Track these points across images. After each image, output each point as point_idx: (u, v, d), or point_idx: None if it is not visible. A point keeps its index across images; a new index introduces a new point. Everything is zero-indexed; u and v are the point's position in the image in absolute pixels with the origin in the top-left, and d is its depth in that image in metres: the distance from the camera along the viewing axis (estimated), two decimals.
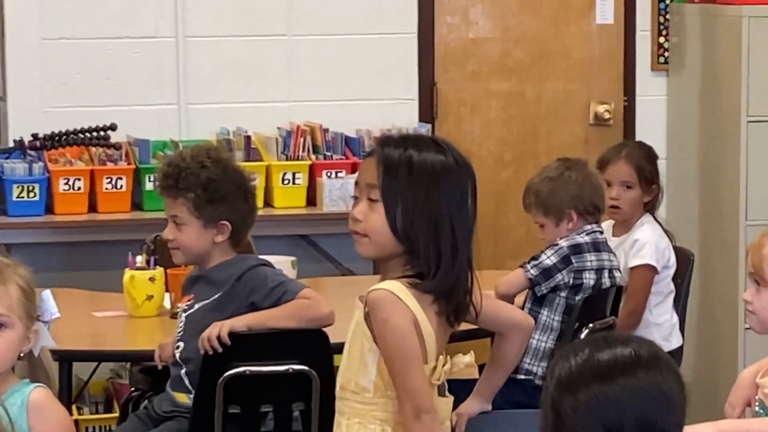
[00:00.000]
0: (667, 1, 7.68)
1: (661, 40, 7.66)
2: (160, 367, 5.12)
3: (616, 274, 5.55)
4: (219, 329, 4.74)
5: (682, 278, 6.05)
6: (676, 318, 5.96)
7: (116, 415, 6.39)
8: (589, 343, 2.69)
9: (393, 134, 4.01)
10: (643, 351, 2.63)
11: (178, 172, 5.00)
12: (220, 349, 4.74)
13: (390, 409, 3.62)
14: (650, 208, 6.04)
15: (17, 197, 6.69)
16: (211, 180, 4.93)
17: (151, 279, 5.70)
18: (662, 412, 2.60)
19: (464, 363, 3.66)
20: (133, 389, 6.02)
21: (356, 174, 6.87)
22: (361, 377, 3.65)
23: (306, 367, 4.59)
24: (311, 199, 7.03)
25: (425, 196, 3.61)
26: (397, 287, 3.52)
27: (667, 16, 7.66)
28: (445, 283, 3.57)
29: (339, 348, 4.89)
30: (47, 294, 3.66)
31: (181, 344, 4.94)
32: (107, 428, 6.44)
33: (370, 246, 3.64)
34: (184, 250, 5.03)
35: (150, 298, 5.68)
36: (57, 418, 3.43)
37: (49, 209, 6.80)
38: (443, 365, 3.56)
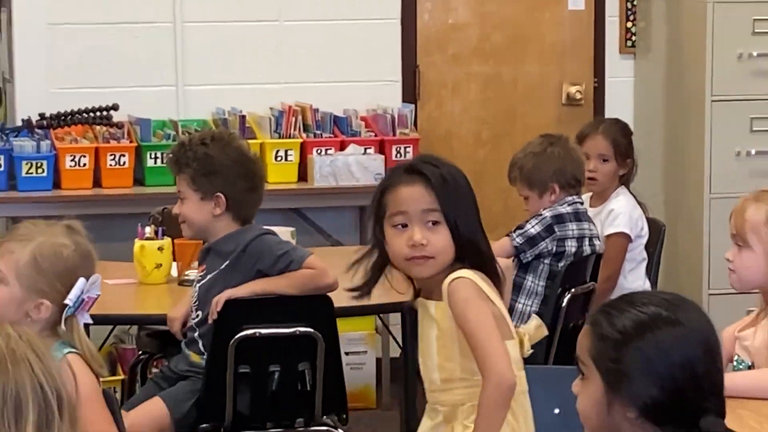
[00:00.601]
0: None
1: (629, 24, 7.70)
2: (180, 337, 5.17)
3: (596, 242, 5.65)
4: (220, 298, 4.89)
5: (653, 247, 6.15)
6: (648, 284, 6.04)
7: (121, 377, 6.53)
8: (636, 302, 2.91)
9: (415, 162, 3.96)
10: (675, 301, 2.89)
11: (181, 149, 5.18)
12: (216, 315, 4.86)
13: None
14: (625, 180, 6.15)
15: (26, 173, 6.76)
16: (207, 155, 5.02)
17: (160, 248, 5.77)
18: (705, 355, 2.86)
19: (533, 327, 3.74)
20: (140, 352, 6.12)
21: (346, 153, 7.09)
22: (468, 361, 3.68)
23: (312, 330, 4.70)
24: (302, 175, 7.07)
25: (472, 203, 3.80)
26: (469, 273, 3.62)
27: (635, 2, 7.70)
28: (495, 267, 3.74)
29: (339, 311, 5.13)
30: (81, 283, 3.82)
31: (198, 312, 5.02)
32: (113, 390, 6.45)
33: (435, 266, 3.68)
34: (188, 224, 5.12)
35: (159, 266, 5.76)
36: (84, 382, 3.47)
37: (56, 185, 6.87)
38: (522, 336, 3.66)
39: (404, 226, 3.71)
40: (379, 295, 5.97)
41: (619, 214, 5.99)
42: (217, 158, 5.07)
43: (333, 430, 4.75)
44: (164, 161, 6.83)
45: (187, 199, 5.04)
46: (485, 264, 3.74)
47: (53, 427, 2.56)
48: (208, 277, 5.11)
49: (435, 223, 3.69)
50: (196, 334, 5.07)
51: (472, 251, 3.71)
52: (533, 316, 3.75)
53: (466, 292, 3.62)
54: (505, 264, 4.31)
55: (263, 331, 4.72)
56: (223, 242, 5.10)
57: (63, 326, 3.69)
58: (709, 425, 2.75)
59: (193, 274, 5.55)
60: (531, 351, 3.63)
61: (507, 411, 3.61)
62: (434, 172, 3.76)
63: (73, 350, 3.64)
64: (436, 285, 3.71)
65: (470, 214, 3.75)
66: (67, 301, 3.70)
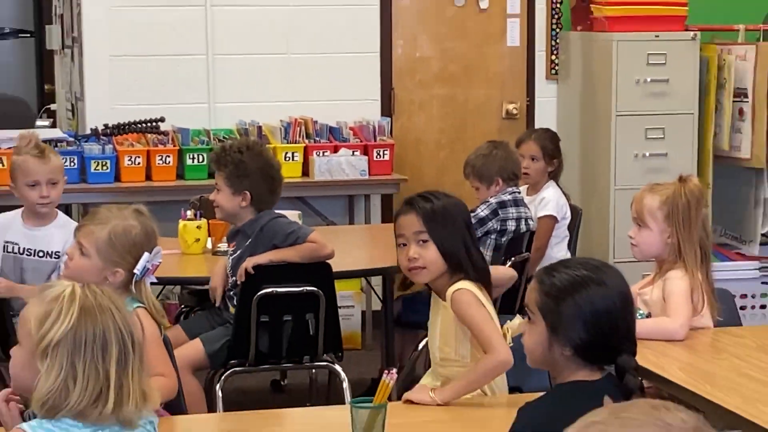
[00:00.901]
0: (557, 30, 7.68)
1: (553, 57, 7.68)
2: (219, 303, 5.17)
3: (530, 222, 5.74)
4: (247, 264, 4.96)
5: (573, 227, 6.22)
6: (569, 254, 6.06)
7: (168, 326, 6.57)
8: (569, 265, 3.00)
9: (414, 196, 3.88)
10: (601, 266, 2.96)
11: (222, 153, 5.24)
12: (244, 278, 4.91)
13: None
14: (554, 176, 6.20)
15: (94, 170, 6.79)
16: (241, 161, 5.05)
17: (198, 227, 5.80)
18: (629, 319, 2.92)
19: (517, 324, 3.61)
20: (182, 306, 6.26)
21: (338, 154, 7.10)
22: (463, 349, 3.70)
23: (315, 288, 4.89)
24: (305, 171, 7.08)
25: (460, 226, 3.76)
26: (467, 284, 3.64)
27: (557, 40, 7.68)
28: (487, 276, 3.77)
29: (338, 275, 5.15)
30: (146, 256, 3.85)
31: (233, 278, 5.05)
32: None
33: (427, 275, 3.72)
34: (220, 209, 5.16)
35: (197, 240, 5.79)
36: (148, 329, 3.54)
37: (117, 178, 6.88)
38: (506, 331, 3.65)
39: (404, 245, 3.74)
40: (364, 263, 6.05)
41: (549, 201, 6.06)
42: (248, 165, 5.10)
43: (331, 364, 5.06)
44: (200, 160, 6.93)
45: (222, 191, 5.09)
46: (478, 273, 3.74)
47: (129, 361, 2.62)
48: (238, 251, 5.13)
49: (425, 241, 3.70)
50: (231, 293, 5.12)
51: (459, 262, 3.71)
52: (517, 315, 3.72)
53: (468, 298, 3.64)
54: (509, 274, 4.36)
55: (279, 289, 4.87)
56: (248, 225, 5.12)
57: (133, 288, 3.73)
58: (624, 362, 2.82)
59: (223, 246, 5.66)
60: (511, 344, 3.56)
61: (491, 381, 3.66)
62: (423, 205, 3.76)
63: (141, 305, 3.68)
64: (441, 289, 3.74)
65: (455, 235, 3.73)
66: (135, 271, 3.73)
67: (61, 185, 5.11)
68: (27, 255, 5.10)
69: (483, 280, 3.73)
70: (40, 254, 5.06)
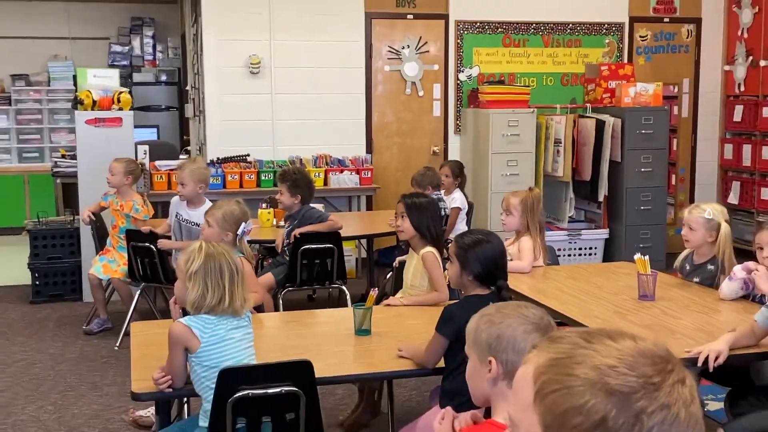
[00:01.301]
0: (460, 107, 7.55)
1: (458, 122, 7.58)
2: (278, 250, 5.17)
3: (446, 210, 5.67)
4: (296, 231, 4.97)
5: (470, 213, 6.14)
6: (466, 227, 5.92)
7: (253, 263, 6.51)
8: (471, 233, 3.01)
9: (404, 195, 3.83)
10: (488, 233, 2.98)
11: (286, 172, 5.20)
12: (295, 238, 4.88)
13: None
14: (459, 185, 6.06)
15: (212, 182, 6.43)
16: (296, 179, 5.06)
17: (269, 212, 5.77)
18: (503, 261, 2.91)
19: None
20: (259, 255, 6.14)
21: (343, 174, 7.04)
22: (423, 282, 3.64)
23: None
24: (325, 183, 7.00)
25: (425, 213, 3.68)
26: (431, 249, 3.60)
27: (460, 113, 7.58)
28: (441, 245, 3.68)
29: (344, 238, 5.01)
30: (243, 225, 3.84)
31: (287, 240, 5.06)
32: None
33: (404, 236, 3.72)
34: (282, 205, 5.13)
35: (268, 219, 5.75)
36: (247, 268, 3.51)
37: (224, 186, 6.80)
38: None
39: (397, 217, 3.73)
40: (357, 231, 6.01)
41: (456, 199, 5.97)
42: (300, 180, 5.08)
43: None
44: (269, 177, 6.90)
45: (284, 194, 5.07)
46: (435, 241, 3.67)
47: (235, 279, 2.65)
48: (289, 227, 5.11)
49: (404, 216, 3.67)
50: (285, 248, 5.09)
51: (423, 233, 3.65)
52: None
53: (431, 258, 3.60)
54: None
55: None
56: (296, 213, 5.09)
57: (238, 243, 3.74)
58: (501, 284, 2.88)
59: (282, 224, 5.60)
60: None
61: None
62: (406, 200, 3.73)
63: (241, 254, 3.70)
64: (415, 246, 3.70)
65: (422, 217, 3.65)
66: (237, 233, 3.74)
67: (187, 187, 4.98)
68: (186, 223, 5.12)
69: (437, 245, 3.67)
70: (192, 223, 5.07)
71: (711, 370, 2.75)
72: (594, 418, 0.92)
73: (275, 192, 6.40)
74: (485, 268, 2.83)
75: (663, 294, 3.56)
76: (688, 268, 3.83)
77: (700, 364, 2.75)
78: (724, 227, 3.61)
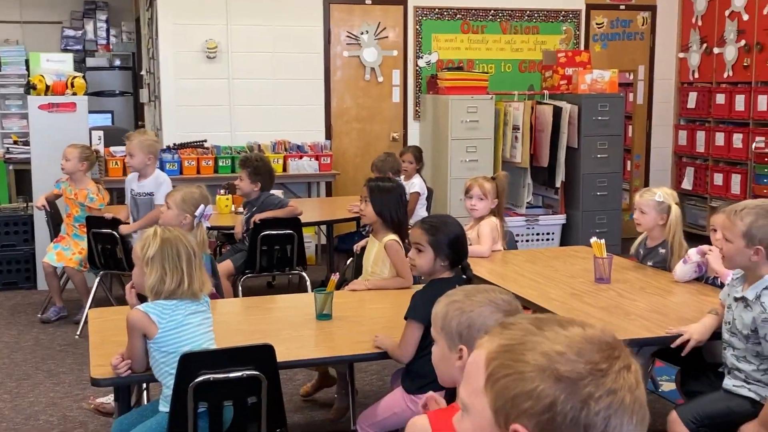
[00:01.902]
0: (419, 93, 7.56)
1: (417, 108, 7.61)
2: (238, 237, 5.13)
3: (406, 195, 5.58)
4: (255, 218, 4.95)
5: (430, 198, 6.17)
6: (426, 213, 5.93)
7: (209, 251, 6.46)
8: (434, 217, 3.07)
9: (372, 179, 3.86)
10: (449, 217, 3.01)
11: (247, 158, 5.16)
12: (255, 224, 4.86)
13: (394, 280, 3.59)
14: (419, 171, 6.08)
15: (168, 168, 6.55)
16: (257, 166, 5.04)
17: (227, 198, 5.74)
18: (463, 238, 2.95)
19: None
20: (217, 242, 6.14)
21: (302, 160, 7.02)
22: (384, 269, 3.64)
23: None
24: (285, 169, 6.95)
25: (388, 198, 3.67)
26: (393, 236, 3.59)
27: (419, 99, 7.60)
28: (405, 232, 3.60)
29: (304, 224, 5.00)
30: (201, 207, 3.81)
31: (245, 226, 5.05)
32: None
33: (367, 220, 3.76)
34: (241, 192, 5.10)
35: (227, 206, 5.71)
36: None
37: (181, 172, 6.71)
38: None
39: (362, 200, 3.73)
40: (317, 217, 6.00)
41: (416, 184, 5.98)
42: (261, 167, 5.06)
43: None
44: (227, 163, 6.84)
45: (243, 181, 5.04)
46: (398, 228, 3.65)
47: (192, 263, 2.62)
48: (248, 214, 5.10)
49: (367, 200, 3.67)
50: (245, 235, 5.08)
51: (384, 219, 3.64)
52: None
53: (395, 247, 3.59)
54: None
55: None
56: (255, 199, 5.08)
57: (196, 227, 3.71)
58: (465, 265, 2.91)
59: (240, 210, 5.57)
60: None
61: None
62: (371, 184, 3.72)
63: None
64: (377, 231, 3.69)
65: (385, 202, 3.64)
66: (196, 214, 3.70)
67: (136, 158, 5.02)
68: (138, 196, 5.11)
69: (399, 231, 3.66)
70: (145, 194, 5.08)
71: (684, 354, 2.83)
72: (543, 402, 0.96)
73: (233, 178, 6.34)
74: (455, 250, 2.86)
75: (618, 276, 3.63)
76: (642, 252, 3.91)
77: (674, 345, 2.82)
78: (675, 209, 3.68)
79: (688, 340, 2.82)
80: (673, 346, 2.83)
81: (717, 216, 3.39)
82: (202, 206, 3.75)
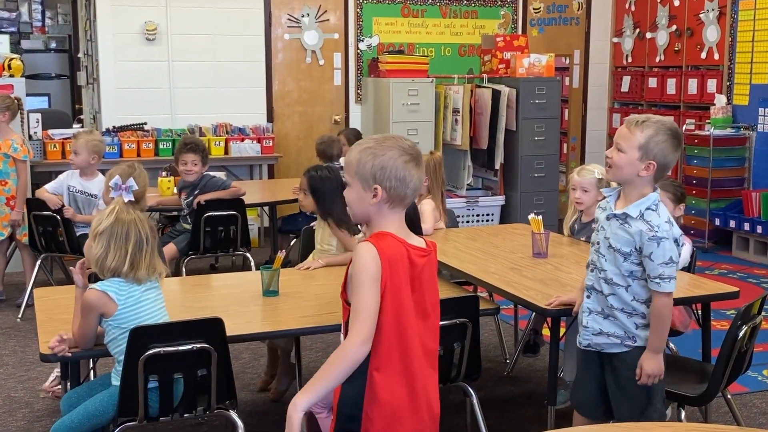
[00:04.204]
0: (360, 76, 7.63)
1: (358, 91, 7.66)
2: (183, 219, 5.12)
3: (343, 177, 5.69)
4: (200, 198, 4.97)
5: None
6: None
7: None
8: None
9: (309, 168, 3.82)
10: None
11: (196, 143, 5.09)
12: (199, 204, 4.87)
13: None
14: None
15: (108, 151, 6.27)
16: (205, 148, 5.05)
17: (170, 181, 5.62)
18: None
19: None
20: (159, 224, 6.09)
21: (244, 143, 7.01)
22: (331, 242, 3.68)
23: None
24: (227, 151, 6.94)
25: (328, 187, 3.64)
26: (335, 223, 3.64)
27: (360, 82, 7.65)
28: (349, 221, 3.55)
29: (248, 206, 5.02)
30: (116, 179, 3.61)
31: (187, 209, 5.06)
32: None
33: (306, 209, 3.80)
34: (196, 174, 4.98)
35: (169, 188, 5.59)
36: None
37: (121, 155, 6.63)
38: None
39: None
40: (259, 199, 5.99)
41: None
42: (203, 148, 5.04)
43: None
44: (167, 146, 6.80)
45: (197, 164, 4.99)
46: (340, 215, 3.62)
47: (143, 248, 2.65)
48: (189, 196, 5.08)
49: (306, 192, 3.71)
50: (187, 216, 5.06)
51: (325, 206, 3.67)
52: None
53: (337, 232, 3.66)
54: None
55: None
56: (197, 181, 5.05)
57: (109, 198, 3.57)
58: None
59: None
60: None
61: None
62: (307, 174, 3.74)
63: None
64: (320, 214, 3.72)
65: (324, 192, 3.65)
66: (111, 184, 3.46)
67: (80, 156, 4.90)
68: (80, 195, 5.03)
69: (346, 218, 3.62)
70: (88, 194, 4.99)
71: (553, 306, 2.91)
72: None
73: (174, 160, 6.34)
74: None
75: (555, 251, 3.76)
76: (576, 227, 4.05)
77: (553, 306, 2.92)
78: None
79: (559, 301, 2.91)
80: (552, 305, 2.91)
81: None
82: (117, 177, 3.50)
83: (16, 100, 5.56)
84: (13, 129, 5.44)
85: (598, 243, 2.68)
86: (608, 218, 2.64)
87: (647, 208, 2.55)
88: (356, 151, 2.08)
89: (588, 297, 2.72)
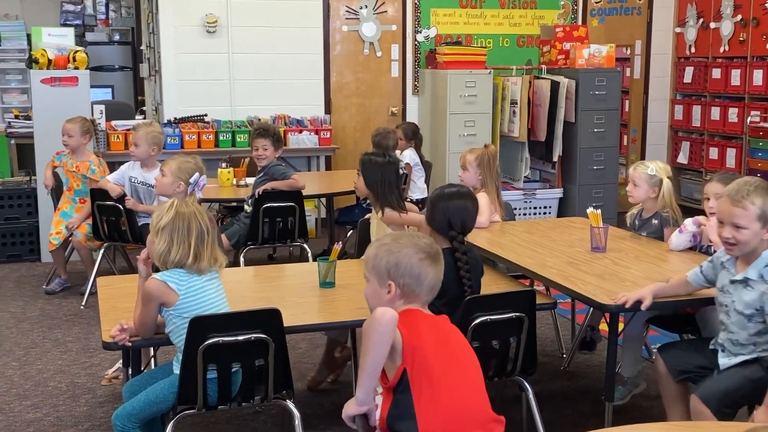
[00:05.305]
0: (418, 68, 7.59)
1: (416, 83, 7.63)
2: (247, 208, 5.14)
3: (405, 170, 5.65)
4: (259, 189, 5.02)
5: (429, 171, 6.23)
6: (425, 185, 6.08)
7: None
8: (446, 187, 3.07)
9: (367, 153, 3.85)
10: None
11: (266, 128, 5.16)
12: (260, 194, 4.92)
13: None
14: (416, 147, 6.14)
15: (169, 142, 6.55)
16: (276, 133, 5.10)
17: (229, 172, 5.75)
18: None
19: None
20: (219, 214, 6.16)
21: (302, 134, 7.06)
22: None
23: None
24: (285, 143, 6.83)
25: (377, 171, 3.69)
26: (388, 211, 3.66)
27: (418, 73, 7.63)
28: (394, 203, 3.68)
29: (305, 197, 5.03)
30: (195, 176, 3.88)
31: (252, 195, 5.08)
32: None
33: (358, 192, 3.86)
34: (268, 160, 5.07)
35: (228, 179, 5.73)
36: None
37: (182, 146, 6.73)
38: None
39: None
40: (317, 191, 6.04)
41: (406, 155, 5.99)
42: (273, 132, 5.10)
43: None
44: (227, 137, 6.88)
45: (268, 149, 5.06)
46: (390, 201, 3.68)
47: (204, 239, 2.69)
48: (258, 179, 5.15)
49: (359, 174, 3.72)
50: (250, 202, 5.09)
51: (377, 191, 3.68)
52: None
53: (392, 216, 3.67)
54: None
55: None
56: (265, 167, 5.11)
57: (189, 195, 3.77)
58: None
59: (242, 183, 5.61)
60: None
61: None
62: (363, 157, 3.76)
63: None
64: (374, 205, 3.74)
65: (376, 177, 3.66)
66: (191, 181, 3.75)
67: (140, 148, 5.02)
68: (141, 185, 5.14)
69: (391, 205, 3.69)
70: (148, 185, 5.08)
71: (627, 306, 2.88)
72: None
73: (234, 152, 6.43)
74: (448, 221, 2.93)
75: (614, 246, 3.70)
76: (637, 223, 3.98)
77: (618, 302, 2.88)
78: (666, 183, 3.78)
79: (638, 301, 2.88)
80: (617, 302, 2.89)
81: (711, 185, 3.48)
82: (196, 174, 3.81)
83: (92, 122, 5.80)
84: (90, 150, 5.65)
85: (726, 305, 2.75)
86: (732, 282, 2.73)
87: (765, 266, 2.64)
88: (374, 246, 2.15)
89: (722, 351, 2.79)
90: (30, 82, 6.23)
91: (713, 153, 7.79)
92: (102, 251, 5.27)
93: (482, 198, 4.15)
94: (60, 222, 5.47)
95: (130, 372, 2.88)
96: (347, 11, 7.50)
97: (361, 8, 7.51)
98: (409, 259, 2.08)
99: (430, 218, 2.93)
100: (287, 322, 2.71)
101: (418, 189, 5.96)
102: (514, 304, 2.82)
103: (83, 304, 5.18)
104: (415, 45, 7.66)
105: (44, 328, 4.82)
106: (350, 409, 2.08)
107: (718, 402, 2.64)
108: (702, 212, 3.63)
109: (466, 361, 2.12)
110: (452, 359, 2.08)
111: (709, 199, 3.50)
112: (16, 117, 7.20)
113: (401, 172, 5.51)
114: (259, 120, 7.08)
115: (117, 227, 5.11)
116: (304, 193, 5.18)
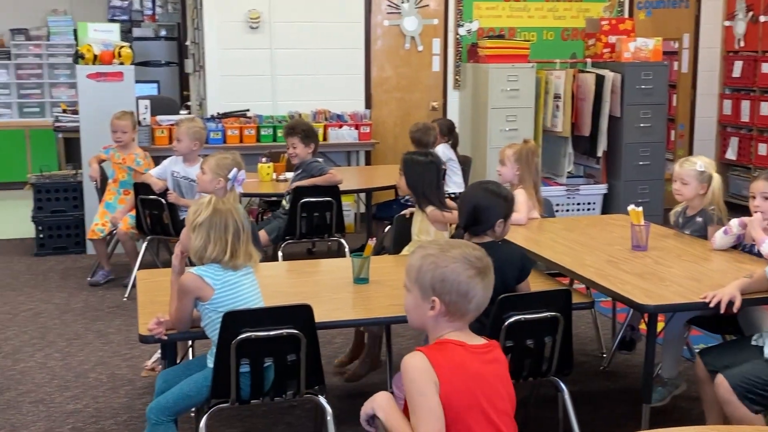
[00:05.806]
0: (459, 62, 7.56)
1: (457, 77, 7.60)
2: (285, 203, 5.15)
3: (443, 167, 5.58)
4: (295, 184, 5.02)
5: (468, 167, 6.15)
6: (462, 181, 5.94)
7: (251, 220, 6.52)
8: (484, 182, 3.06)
9: (409, 152, 3.85)
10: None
11: (293, 126, 5.21)
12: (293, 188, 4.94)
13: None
14: (453, 144, 6.05)
15: (212, 136, 6.68)
16: (308, 129, 5.11)
17: (269, 167, 5.77)
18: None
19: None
20: (260, 209, 6.25)
21: (342, 129, 7.07)
22: (427, 238, 3.58)
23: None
24: (324, 138, 6.97)
25: (420, 171, 3.65)
26: (430, 208, 3.61)
27: (459, 68, 7.60)
28: (434, 201, 3.64)
29: (343, 192, 5.02)
30: (234, 171, 3.92)
31: (289, 190, 5.08)
32: None
33: (401, 192, 3.84)
34: (299, 158, 5.11)
35: (268, 174, 5.76)
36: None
37: (224, 141, 6.80)
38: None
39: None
40: (356, 185, 6.04)
41: (439, 151, 5.71)
42: (309, 130, 5.13)
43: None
44: (269, 132, 6.92)
45: (297, 147, 5.09)
46: (428, 201, 3.65)
47: (240, 236, 2.70)
48: (295, 176, 5.16)
49: (401, 174, 3.69)
50: (287, 198, 5.10)
51: (417, 191, 3.65)
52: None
53: (436, 214, 3.62)
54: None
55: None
56: (302, 165, 5.12)
57: (229, 191, 3.80)
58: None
59: (282, 178, 5.63)
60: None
61: None
62: (405, 157, 3.74)
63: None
64: (418, 203, 3.70)
65: (418, 176, 3.63)
66: (230, 177, 3.78)
67: (183, 143, 5.10)
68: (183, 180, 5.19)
69: (433, 204, 3.65)
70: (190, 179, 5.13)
71: (722, 311, 2.77)
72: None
73: (275, 147, 6.45)
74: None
75: (656, 244, 3.63)
76: (681, 221, 3.89)
77: (712, 305, 2.78)
78: (716, 178, 3.68)
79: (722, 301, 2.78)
80: (711, 305, 2.79)
81: (757, 183, 3.39)
82: (234, 170, 3.84)
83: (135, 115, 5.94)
84: (136, 143, 5.77)
85: None
86: None
87: None
88: (418, 256, 1.94)
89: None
90: (77, 77, 6.32)
91: (762, 149, 7.63)
92: (145, 244, 5.34)
93: (519, 195, 4.08)
94: (104, 213, 5.57)
95: (166, 364, 2.91)
96: (389, 5, 7.48)
97: (402, 2, 7.49)
98: (458, 275, 1.88)
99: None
100: (320, 317, 2.71)
101: (454, 183, 5.89)
102: (549, 303, 2.77)
103: (126, 296, 5.25)
104: (457, 39, 7.61)
105: (87, 319, 4.90)
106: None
107: (744, 386, 2.62)
108: (748, 210, 3.54)
109: (497, 404, 1.92)
110: (482, 400, 1.89)
111: (755, 197, 3.40)
112: (64, 111, 7.31)
113: (444, 167, 5.52)
114: (299, 115, 7.11)
115: (160, 221, 5.17)
116: (343, 187, 5.18)
